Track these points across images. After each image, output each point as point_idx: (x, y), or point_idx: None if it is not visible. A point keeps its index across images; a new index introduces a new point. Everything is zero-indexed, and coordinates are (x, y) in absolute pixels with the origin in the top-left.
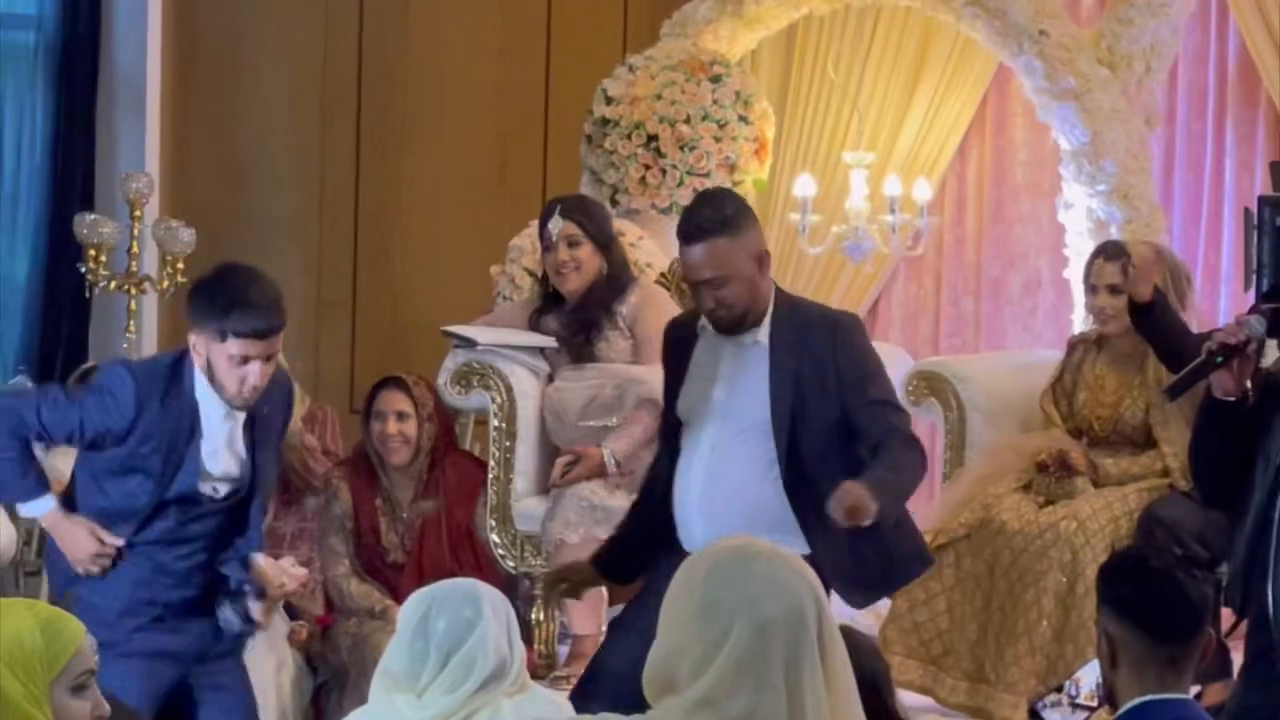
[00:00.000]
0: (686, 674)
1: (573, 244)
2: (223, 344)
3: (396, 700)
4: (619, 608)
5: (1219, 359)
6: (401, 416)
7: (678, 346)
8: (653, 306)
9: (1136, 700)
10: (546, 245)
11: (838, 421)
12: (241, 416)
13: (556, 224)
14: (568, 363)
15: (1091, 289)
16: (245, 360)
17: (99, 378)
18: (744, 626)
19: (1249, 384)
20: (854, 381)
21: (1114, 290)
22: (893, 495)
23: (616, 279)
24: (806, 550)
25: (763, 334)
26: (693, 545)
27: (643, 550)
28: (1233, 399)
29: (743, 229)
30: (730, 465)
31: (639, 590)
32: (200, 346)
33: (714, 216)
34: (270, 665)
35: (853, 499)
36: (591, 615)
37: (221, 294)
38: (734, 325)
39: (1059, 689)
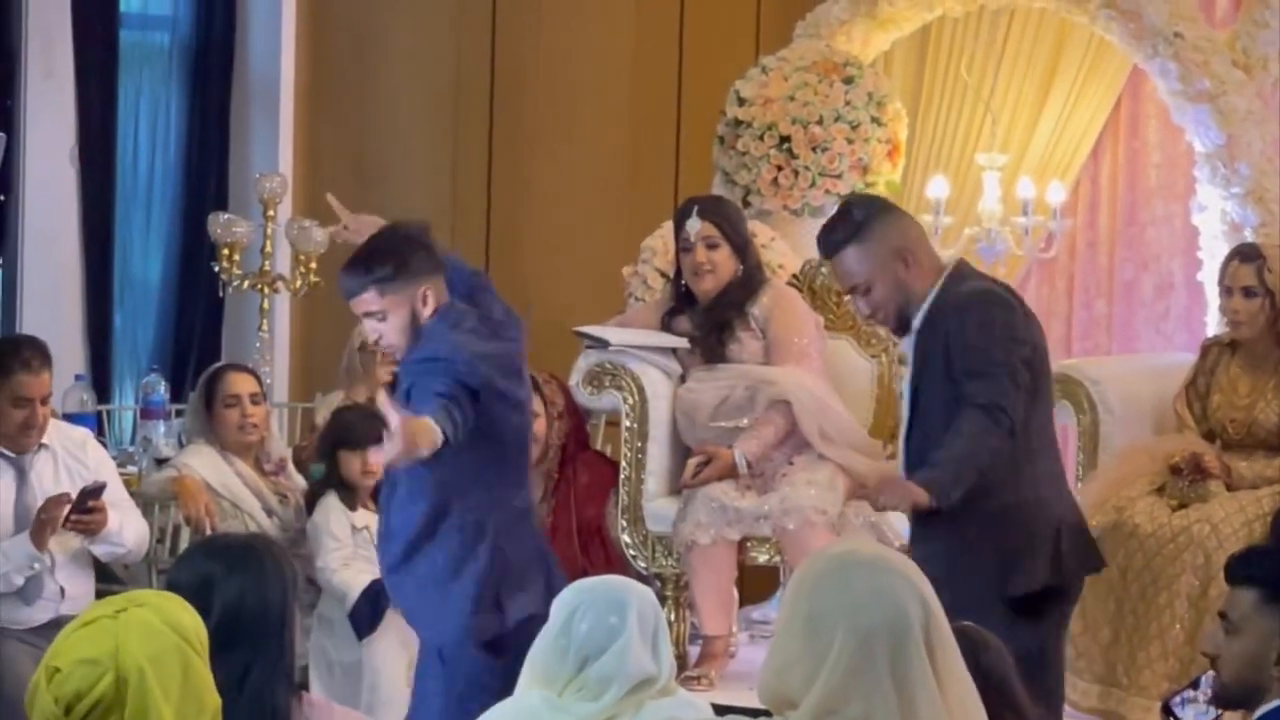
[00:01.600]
0: (798, 687)
1: (711, 245)
2: None
3: (533, 697)
4: (750, 609)
5: None
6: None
7: None
8: (785, 308)
9: (1276, 703)
10: (684, 246)
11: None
12: None
13: (695, 225)
14: (700, 363)
15: (1226, 291)
16: None
17: None
18: (846, 637)
19: None
20: (959, 358)
21: (1248, 293)
22: (951, 470)
23: (750, 280)
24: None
25: (917, 322)
26: None
27: None
28: None
29: (871, 233)
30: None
31: None
32: None
33: (840, 227)
34: (403, 662)
35: (891, 492)
36: (723, 615)
37: None
38: (899, 326)
39: (1194, 685)
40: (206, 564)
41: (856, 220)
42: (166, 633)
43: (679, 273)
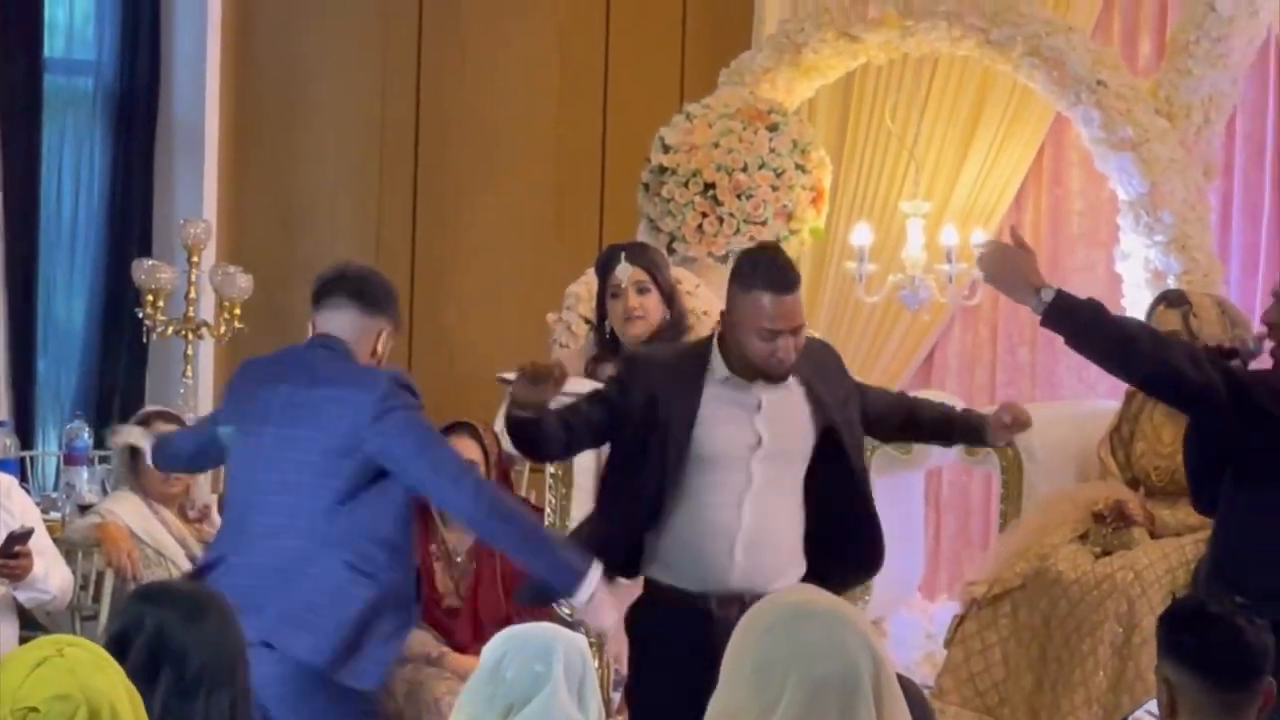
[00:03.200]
0: None
1: (642, 291)
2: None
3: None
4: None
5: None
6: (472, 465)
7: (673, 378)
8: None
9: None
10: (613, 292)
11: (860, 443)
12: None
13: (625, 270)
14: None
15: None
16: None
17: None
18: (797, 688)
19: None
20: (855, 384)
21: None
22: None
23: (677, 327)
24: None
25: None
26: (723, 581)
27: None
28: None
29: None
30: (776, 501)
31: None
32: None
33: (792, 268)
34: None
35: (1015, 409)
36: None
37: None
38: (791, 370)
39: None
40: (156, 612)
41: (796, 269)
42: (111, 671)
43: (603, 319)
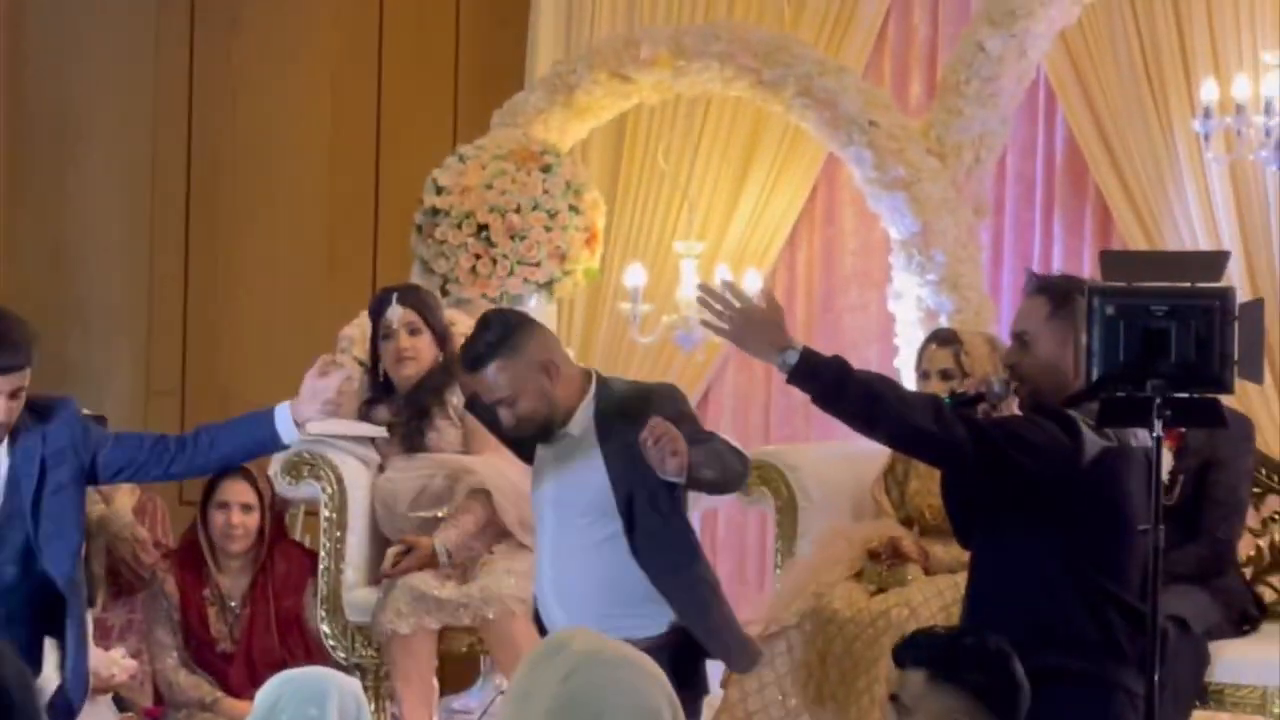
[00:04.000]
0: None
1: (414, 332)
2: None
3: None
4: (450, 698)
5: (949, 401)
6: (246, 509)
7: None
8: None
9: None
10: (385, 334)
11: (667, 490)
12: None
13: (396, 311)
14: (398, 452)
15: (924, 375)
16: None
17: None
18: None
19: None
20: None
21: (945, 376)
22: (704, 454)
23: (450, 368)
24: (674, 618)
25: (574, 427)
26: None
27: None
28: None
29: (519, 346)
30: (574, 552)
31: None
32: None
33: (487, 341)
34: None
35: (662, 426)
36: (423, 706)
37: None
38: (542, 434)
39: None
40: None
41: (501, 336)
42: None
43: (376, 361)
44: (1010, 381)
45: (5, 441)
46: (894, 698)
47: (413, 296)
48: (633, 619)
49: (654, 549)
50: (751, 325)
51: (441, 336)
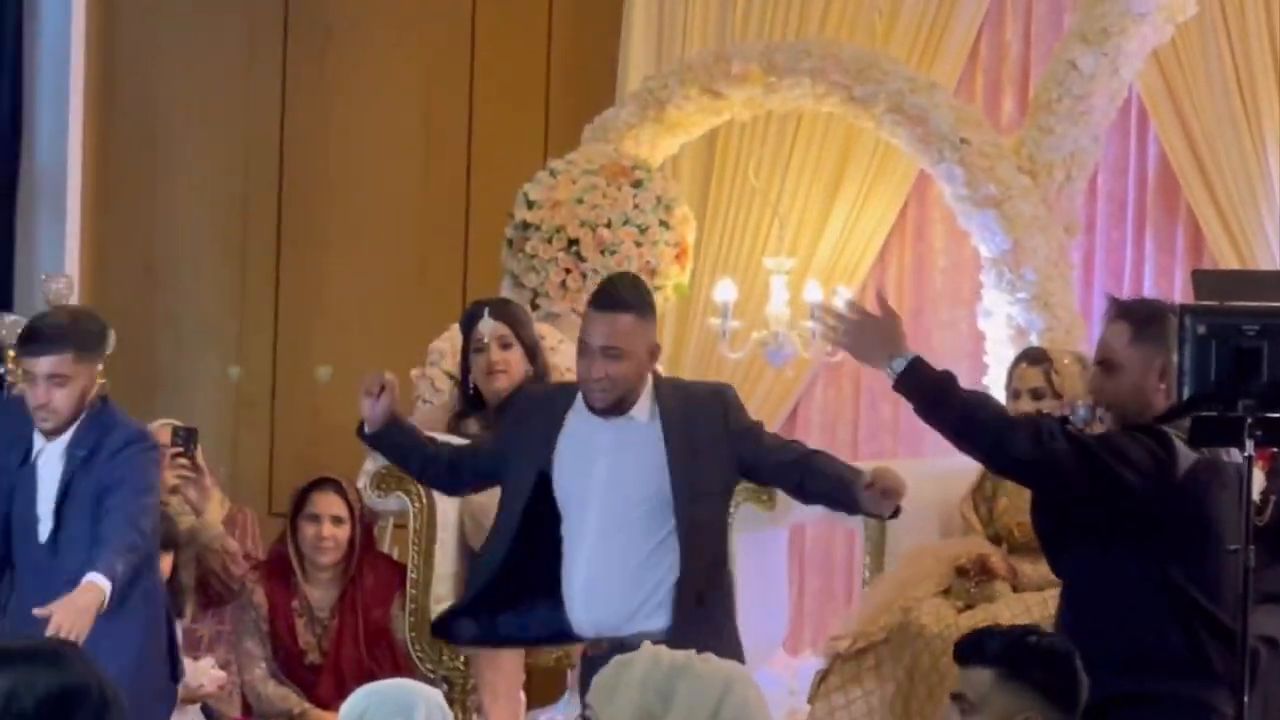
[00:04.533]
0: None
1: (505, 345)
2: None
3: None
4: (538, 711)
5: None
6: (337, 521)
7: (542, 416)
8: None
9: None
10: (476, 347)
11: (724, 488)
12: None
13: (488, 325)
14: None
15: (1014, 394)
16: (35, 379)
17: None
18: None
19: None
20: (748, 436)
21: (1036, 395)
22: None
23: (540, 382)
24: (663, 625)
25: (639, 412)
26: (578, 627)
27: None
28: None
29: (650, 316)
30: (616, 547)
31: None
32: None
33: (632, 294)
34: None
35: (891, 478)
36: (510, 719)
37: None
38: (612, 405)
39: None
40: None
41: (644, 297)
42: None
43: (467, 375)
44: (1095, 407)
45: (70, 431)
46: (957, 696)
47: (504, 310)
48: (649, 613)
49: (697, 547)
50: (866, 331)
51: (532, 350)
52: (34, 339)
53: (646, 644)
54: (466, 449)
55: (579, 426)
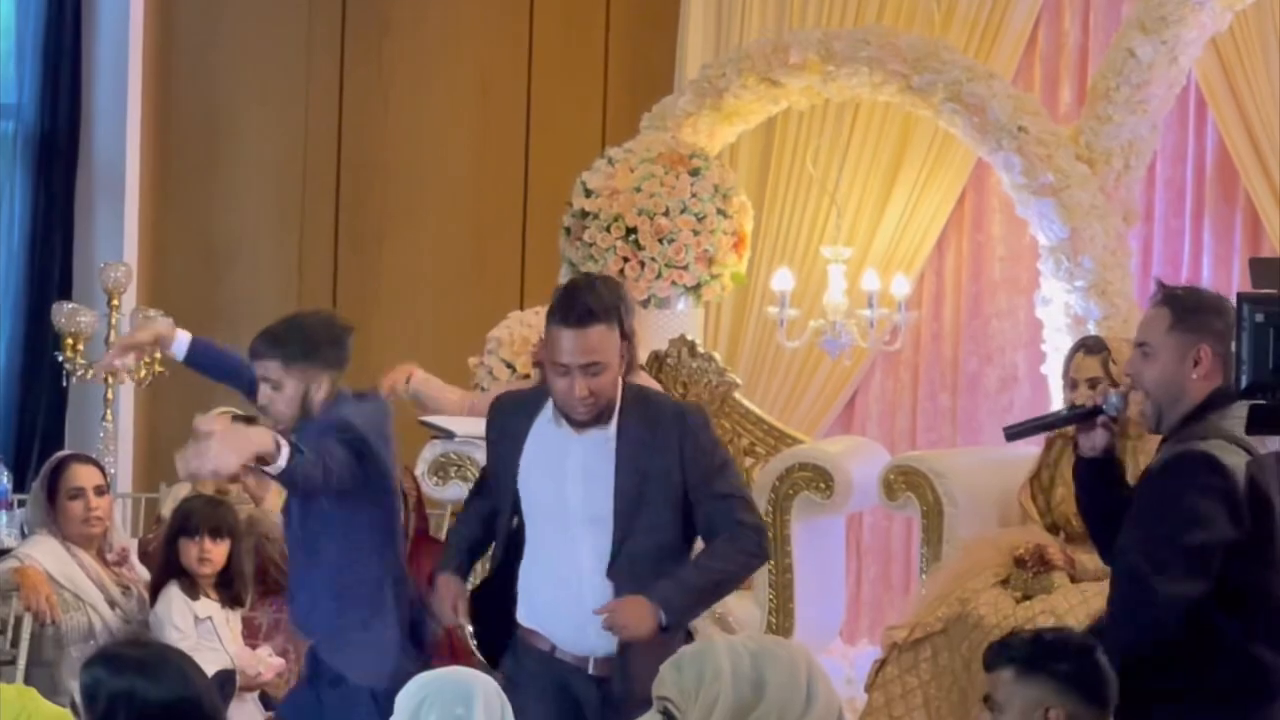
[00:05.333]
0: None
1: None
2: None
3: None
4: None
5: (1065, 414)
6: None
7: (511, 424)
8: None
9: None
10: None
11: (675, 515)
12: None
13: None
14: None
15: (1071, 384)
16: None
17: None
18: None
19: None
20: (703, 474)
21: (1093, 384)
22: (693, 596)
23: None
24: (612, 650)
25: (612, 428)
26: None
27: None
28: (1096, 457)
29: (615, 318)
30: (569, 563)
31: None
32: None
33: (597, 303)
34: None
35: (623, 616)
36: None
37: None
38: (595, 418)
39: None
40: (120, 678)
41: (614, 302)
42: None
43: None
44: (1127, 395)
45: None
46: (987, 699)
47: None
48: (599, 632)
49: (636, 564)
50: None
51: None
52: None
53: (716, 631)
54: (476, 501)
55: (545, 435)
